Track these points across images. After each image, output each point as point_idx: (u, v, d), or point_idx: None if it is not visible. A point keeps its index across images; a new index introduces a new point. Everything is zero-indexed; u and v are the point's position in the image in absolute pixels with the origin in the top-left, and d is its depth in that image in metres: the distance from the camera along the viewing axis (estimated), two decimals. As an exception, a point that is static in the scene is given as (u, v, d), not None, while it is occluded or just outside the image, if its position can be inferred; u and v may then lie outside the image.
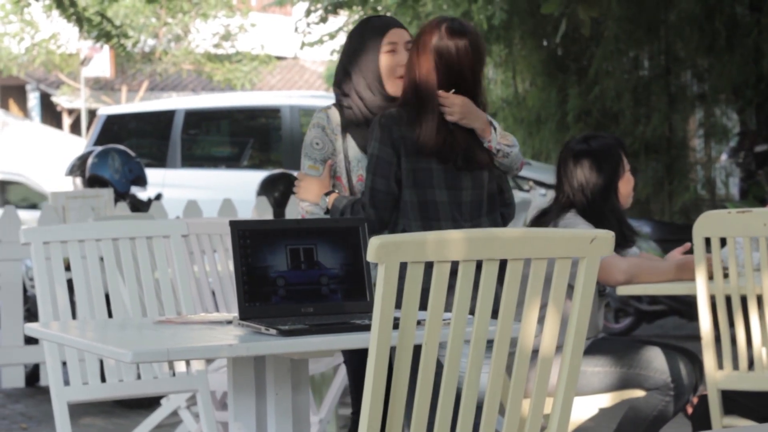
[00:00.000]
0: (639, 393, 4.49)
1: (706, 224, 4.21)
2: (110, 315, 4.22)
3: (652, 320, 9.46)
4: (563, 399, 2.71)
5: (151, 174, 9.79)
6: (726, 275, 4.26)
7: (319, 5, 13.87)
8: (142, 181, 8.27)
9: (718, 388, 4.27)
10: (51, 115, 31.26)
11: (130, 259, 4.09)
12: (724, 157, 12.20)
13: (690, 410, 4.51)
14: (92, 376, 4.01)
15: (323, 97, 13.41)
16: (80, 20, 11.46)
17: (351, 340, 2.91)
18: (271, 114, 12.98)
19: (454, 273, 2.55)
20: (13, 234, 7.46)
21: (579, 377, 2.85)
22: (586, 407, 4.53)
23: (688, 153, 12.87)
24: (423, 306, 2.56)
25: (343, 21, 14.84)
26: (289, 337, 2.80)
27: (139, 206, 8.16)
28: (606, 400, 4.54)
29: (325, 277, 3.10)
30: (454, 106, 3.92)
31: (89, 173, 8.19)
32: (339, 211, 3.93)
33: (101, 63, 29.04)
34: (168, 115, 12.94)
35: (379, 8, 13.53)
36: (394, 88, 4.00)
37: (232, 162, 12.91)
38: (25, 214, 13.99)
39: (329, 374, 5.76)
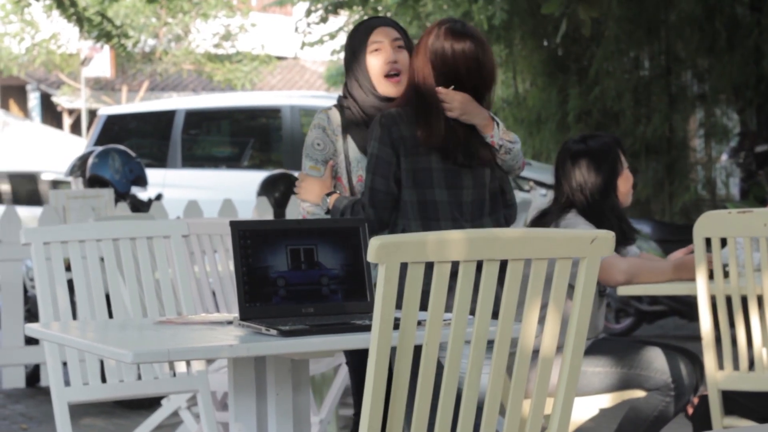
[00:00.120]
0: (639, 393, 4.50)
1: (707, 224, 4.21)
2: (111, 315, 4.21)
3: (652, 320, 9.46)
4: (564, 399, 2.71)
5: (152, 174, 9.80)
6: (726, 275, 4.26)
7: (319, 5, 13.87)
8: (142, 182, 8.27)
9: (718, 388, 4.27)
10: (51, 115, 31.27)
11: (130, 260, 4.09)
12: (724, 157, 12.20)
13: (690, 411, 4.50)
14: (93, 376, 4.01)
15: (324, 98, 13.41)
16: (80, 20, 11.46)
17: (351, 341, 2.91)
18: (271, 114, 12.98)
19: (454, 274, 2.55)
20: (14, 234, 7.47)
21: (579, 378, 2.85)
22: (586, 408, 4.53)
23: (688, 153, 12.87)
24: (423, 306, 2.56)
25: (343, 21, 14.85)
26: (290, 337, 2.80)
27: (140, 206, 8.16)
28: (606, 400, 4.54)
29: (326, 277, 3.10)
30: (454, 101, 3.93)
31: (90, 173, 8.19)
32: (339, 211, 3.93)
33: (101, 63, 29.05)
34: (168, 115, 12.94)
35: (380, 8, 13.54)
36: (384, 87, 4.03)
37: (232, 162, 12.91)
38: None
39: (330, 375, 5.76)
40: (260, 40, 28.78)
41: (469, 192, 3.97)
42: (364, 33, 4.06)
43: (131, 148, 9.22)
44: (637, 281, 4.53)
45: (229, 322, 3.12)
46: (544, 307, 2.68)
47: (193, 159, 12.79)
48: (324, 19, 14.00)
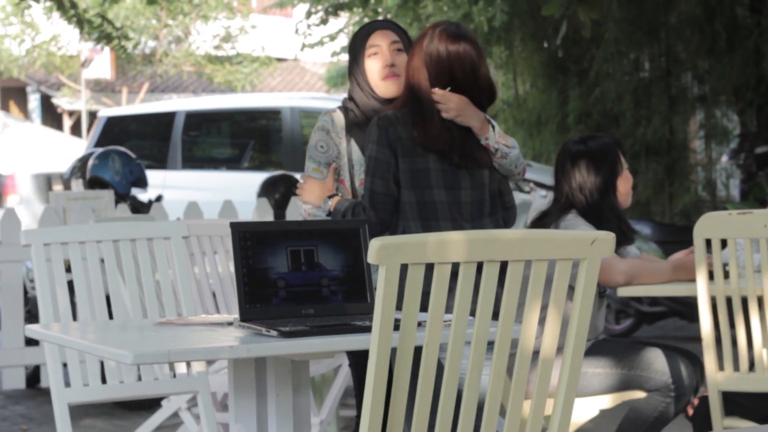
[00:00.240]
0: (640, 394, 4.50)
1: (707, 226, 4.21)
2: (111, 316, 4.22)
3: (652, 321, 9.46)
4: (564, 400, 2.71)
5: (152, 175, 9.80)
6: (727, 276, 4.26)
7: (319, 7, 13.87)
8: (142, 183, 8.27)
9: (718, 389, 4.27)
10: (51, 116, 31.27)
11: (130, 261, 4.10)
12: (724, 158, 12.19)
13: (691, 412, 4.50)
14: (93, 377, 4.01)
15: (324, 99, 13.40)
16: (81, 22, 11.45)
17: (352, 342, 2.91)
18: (271, 115, 12.97)
19: (454, 275, 2.55)
20: (14, 235, 7.47)
21: (580, 379, 2.85)
22: (586, 408, 4.53)
23: (688, 154, 12.87)
24: (423, 307, 2.56)
25: (343, 23, 14.83)
26: (290, 338, 2.80)
27: (140, 208, 8.16)
28: (607, 401, 4.54)
29: (326, 278, 3.10)
30: (450, 102, 3.94)
31: (90, 175, 8.19)
32: (340, 213, 3.94)
33: (102, 65, 29.05)
34: (168, 117, 12.93)
35: (380, 10, 13.53)
36: (382, 89, 4.05)
37: (232, 163, 12.90)
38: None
39: (330, 376, 5.77)
40: (260, 41, 28.79)
41: (468, 192, 3.97)
42: (363, 37, 4.09)
43: (131, 149, 9.22)
44: (636, 282, 4.53)
45: (230, 323, 3.12)
46: (544, 308, 2.68)
47: (194, 160, 12.79)
48: (324, 21, 13.99)
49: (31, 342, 7.57)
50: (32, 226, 13.13)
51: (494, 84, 4.06)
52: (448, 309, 2.60)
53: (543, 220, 4.63)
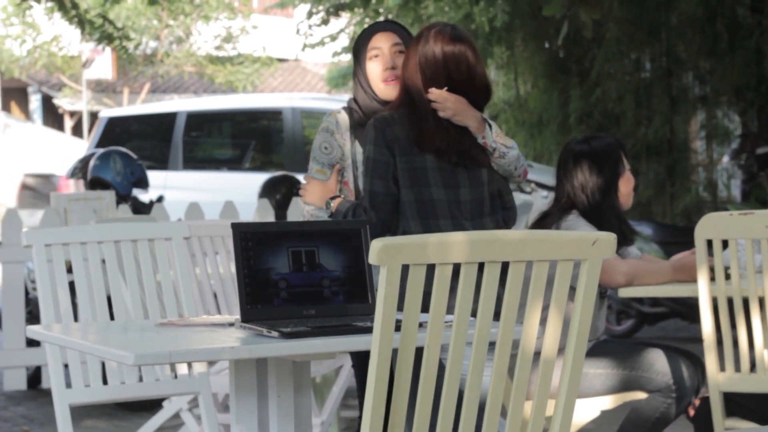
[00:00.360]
0: (641, 395, 4.50)
1: (708, 226, 4.21)
2: (112, 317, 4.22)
3: (653, 322, 9.46)
4: (565, 401, 2.71)
5: (153, 176, 9.80)
6: (728, 277, 4.26)
7: (320, 7, 13.86)
8: (143, 184, 8.27)
9: (719, 390, 4.27)
10: (53, 117, 31.28)
11: (132, 261, 4.10)
12: (725, 159, 12.19)
13: (692, 412, 4.50)
14: (94, 378, 4.01)
15: (325, 99, 13.40)
16: (82, 22, 11.45)
17: (353, 343, 2.91)
18: (272, 116, 12.97)
19: (455, 275, 2.55)
20: (15, 236, 7.47)
21: (581, 379, 2.85)
22: (588, 409, 4.53)
23: (689, 155, 12.87)
24: (425, 308, 2.57)
25: (344, 23, 14.82)
26: (291, 339, 2.80)
27: (141, 208, 8.16)
28: (608, 402, 4.54)
29: (327, 279, 3.10)
30: (447, 102, 3.95)
31: (91, 175, 8.19)
32: (342, 215, 3.95)
33: (103, 65, 29.07)
34: (170, 118, 12.93)
35: (381, 10, 13.53)
36: (383, 92, 4.07)
37: (233, 164, 12.90)
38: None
39: (331, 376, 5.76)
40: (261, 42, 28.80)
41: (467, 191, 3.97)
42: (365, 39, 4.11)
43: (133, 150, 9.22)
44: (637, 283, 4.53)
45: (231, 324, 3.12)
46: (545, 308, 2.68)
47: (195, 161, 12.78)
48: (325, 21, 13.98)
49: (32, 343, 7.57)
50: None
51: (490, 83, 4.07)
52: (449, 309, 2.60)
53: (544, 221, 4.63)
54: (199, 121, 13.08)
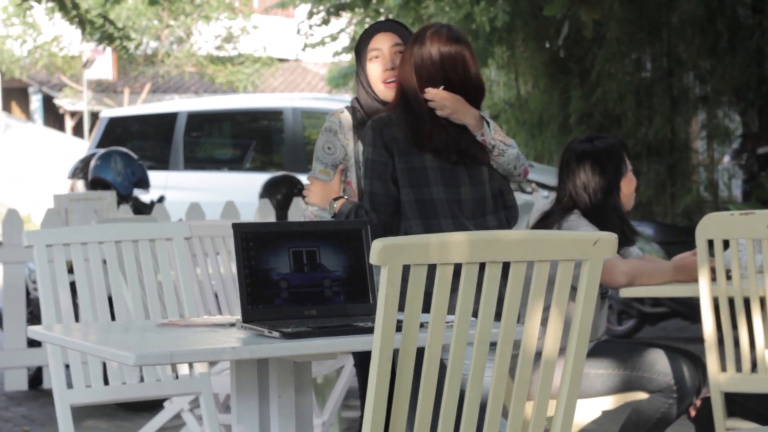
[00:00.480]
0: (642, 395, 4.49)
1: (709, 226, 4.21)
2: (113, 317, 4.22)
3: (654, 322, 9.46)
4: (566, 401, 2.71)
5: (154, 176, 9.80)
6: (729, 277, 4.26)
7: (321, 7, 13.86)
8: (144, 184, 8.27)
9: (721, 390, 4.27)
10: (53, 117, 31.29)
11: (132, 262, 4.10)
12: (726, 159, 12.19)
13: (693, 413, 4.50)
14: (95, 378, 4.01)
15: (326, 99, 13.40)
16: (83, 22, 11.45)
17: (354, 343, 2.91)
18: (273, 116, 12.97)
19: (456, 275, 2.55)
20: (16, 237, 7.47)
21: (582, 380, 2.85)
22: (589, 410, 4.53)
23: (690, 155, 12.86)
24: (426, 308, 2.56)
25: (345, 23, 14.83)
26: (292, 339, 2.80)
27: (142, 209, 8.16)
28: (609, 402, 4.54)
29: (328, 279, 3.10)
30: (445, 100, 3.95)
31: (92, 176, 8.20)
32: (344, 216, 3.95)
33: (104, 65, 29.09)
34: (170, 118, 12.93)
35: (381, 10, 13.53)
36: (383, 93, 4.08)
37: (234, 164, 12.90)
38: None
39: (332, 377, 5.76)
40: (262, 42, 28.81)
41: (467, 189, 3.98)
42: (366, 39, 4.12)
43: (133, 150, 9.22)
44: (638, 283, 4.53)
45: (232, 324, 3.12)
46: (546, 309, 2.68)
47: (195, 161, 12.79)
48: (326, 21, 13.99)
49: (33, 343, 7.58)
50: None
51: (483, 83, 4.09)
52: (450, 310, 2.60)
53: (546, 221, 4.63)
54: (199, 121, 13.08)
